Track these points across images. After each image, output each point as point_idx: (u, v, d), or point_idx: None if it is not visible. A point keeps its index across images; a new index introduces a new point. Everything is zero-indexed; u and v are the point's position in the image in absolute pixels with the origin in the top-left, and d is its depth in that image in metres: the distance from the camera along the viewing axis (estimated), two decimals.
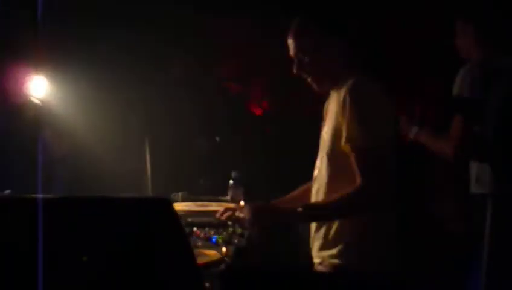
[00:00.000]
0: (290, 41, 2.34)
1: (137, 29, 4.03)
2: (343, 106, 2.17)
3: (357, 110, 2.15)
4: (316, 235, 2.32)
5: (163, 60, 4.34)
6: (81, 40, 3.95)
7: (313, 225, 2.34)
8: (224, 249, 2.29)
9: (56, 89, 3.54)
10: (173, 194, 3.34)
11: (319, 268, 2.29)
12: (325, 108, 2.45)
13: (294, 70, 2.35)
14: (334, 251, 2.24)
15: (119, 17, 4.07)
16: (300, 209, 2.19)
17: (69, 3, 3.86)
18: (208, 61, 4.75)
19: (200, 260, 2.14)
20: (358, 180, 2.14)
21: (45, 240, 1.49)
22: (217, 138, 4.47)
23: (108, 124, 3.98)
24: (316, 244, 2.33)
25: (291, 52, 2.34)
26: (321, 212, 2.25)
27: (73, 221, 1.50)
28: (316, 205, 2.28)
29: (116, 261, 1.49)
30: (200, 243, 2.43)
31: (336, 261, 2.23)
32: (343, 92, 2.19)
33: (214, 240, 2.43)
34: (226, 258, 2.22)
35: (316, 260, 2.32)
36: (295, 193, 2.64)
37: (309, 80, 2.36)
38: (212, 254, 2.24)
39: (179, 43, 4.37)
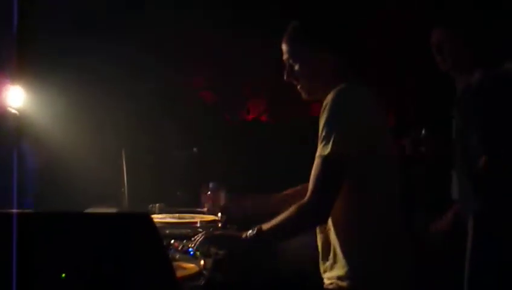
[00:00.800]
0: (283, 46, 2.33)
1: (115, 40, 4.02)
2: (321, 112, 2.17)
3: (328, 117, 2.12)
4: (324, 257, 2.31)
5: (140, 71, 4.33)
6: (60, 51, 3.92)
7: (320, 247, 2.32)
8: (202, 262, 2.28)
9: (33, 99, 3.51)
10: (150, 206, 3.32)
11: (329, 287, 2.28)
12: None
13: (285, 76, 2.34)
14: (341, 272, 2.21)
15: (98, 28, 4.05)
16: (253, 234, 2.18)
17: (46, 13, 3.84)
18: (184, 71, 4.75)
19: (178, 274, 2.14)
20: (308, 192, 2.13)
21: (23, 257, 1.48)
22: (195, 149, 4.46)
23: (85, 135, 3.96)
24: (324, 265, 2.31)
25: (284, 57, 2.33)
26: (271, 237, 2.21)
27: (51, 237, 1.49)
28: (266, 230, 2.20)
29: (95, 277, 1.49)
30: (178, 256, 2.43)
31: (344, 283, 2.20)
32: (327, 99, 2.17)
33: (192, 252, 2.42)
34: (204, 271, 2.21)
35: (326, 282, 2.30)
36: (289, 191, 2.63)
37: (298, 87, 2.35)
38: (190, 267, 2.24)
39: (156, 54, 4.36)
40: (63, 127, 3.86)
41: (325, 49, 2.26)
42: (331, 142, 2.08)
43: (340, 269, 2.21)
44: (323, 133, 2.11)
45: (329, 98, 2.15)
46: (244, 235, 2.22)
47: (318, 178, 2.10)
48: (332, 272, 2.25)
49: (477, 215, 2.63)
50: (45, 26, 3.84)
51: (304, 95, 2.34)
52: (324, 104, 2.16)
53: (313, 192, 2.11)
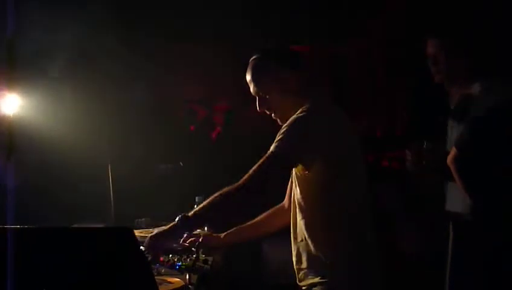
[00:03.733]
0: (249, 82, 2.39)
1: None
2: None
3: (287, 126, 2.23)
4: (297, 264, 2.35)
5: (127, 84, 4.33)
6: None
7: (294, 255, 2.37)
8: (187, 276, 2.28)
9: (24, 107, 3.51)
10: (137, 220, 3.31)
11: None
12: None
13: (258, 108, 2.39)
14: (314, 279, 2.27)
15: None
16: (181, 218, 2.19)
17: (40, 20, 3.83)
18: (173, 85, 4.76)
19: (163, 288, 2.13)
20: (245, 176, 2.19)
21: (6, 271, 1.47)
22: (181, 163, 4.46)
23: (71, 148, 3.95)
24: (299, 275, 2.35)
25: (252, 91, 2.39)
26: (199, 217, 2.23)
27: (35, 251, 1.49)
28: (195, 211, 2.25)
29: None
30: (163, 270, 2.42)
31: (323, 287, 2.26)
32: None
33: (177, 267, 2.42)
34: (189, 286, 2.21)
35: (303, 289, 2.33)
36: (258, 218, 2.67)
37: (273, 116, 2.41)
38: (175, 281, 2.24)
39: (144, 67, 4.37)
40: (48, 142, 3.84)
41: (287, 69, 2.34)
42: (278, 143, 2.21)
43: (312, 277, 2.27)
44: (278, 136, 2.23)
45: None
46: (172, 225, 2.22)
47: (257, 168, 2.18)
48: (307, 280, 2.30)
49: (457, 217, 2.67)
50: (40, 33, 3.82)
51: (279, 121, 2.41)
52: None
53: (250, 173, 2.18)
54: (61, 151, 3.94)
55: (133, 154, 4.27)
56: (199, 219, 2.23)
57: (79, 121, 4.04)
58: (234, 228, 2.67)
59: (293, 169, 2.34)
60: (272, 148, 2.22)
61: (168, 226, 2.21)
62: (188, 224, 2.20)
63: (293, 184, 2.39)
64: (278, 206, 2.66)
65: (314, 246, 2.27)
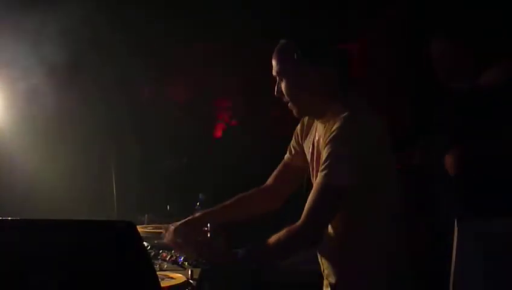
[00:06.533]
0: (273, 61, 2.29)
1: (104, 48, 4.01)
2: (329, 140, 2.13)
3: (335, 146, 2.10)
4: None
5: (130, 81, 4.32)
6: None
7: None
8: (190, 271, 2.28)
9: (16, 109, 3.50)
10: (140, 217, 3.31)
11: None
12: (305, 127, 2.45)
13: (275, 92, 2.32)
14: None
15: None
16: (243, 255, 2.15)
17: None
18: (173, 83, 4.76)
19: (165, 284, 2.13)
20: (302, 216, 2.13)
21: (5, 264, 1.47)
22: (185, 159, 4.45)
23: (74, 146, 3.94)
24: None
25: (273, 73, 2.29)
26: (260, 258, 2.23)
27: (35, 245, 1.48)
28: (257, 252, 2.20)
29: (79, 285, 1.47)
30: (166, 266, 2.42)
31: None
32: (334, 125, 2.14)
33: (180, 262, 2.42)
34: (191, 281, 2.21)
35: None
36: (228, 202, 2.55)
37: (289, 104, 2.29)
38: (177, 277, 2.23)
39: (147, 64, 4.36)
40: (49, 138, 3.82)
41: (316, 66, 2.21)
42: (333, 173, 2.09)
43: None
44: (327, 162, 2.10)
45: (336, 125, 2.12)
46: (233, 255, 2.20)
47: (315, 204, 2.10)
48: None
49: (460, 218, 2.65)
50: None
51: (295, 113, 2.31)
52: (331, 130, 2.13)
53: (307, 217, 2.11)
54: (64, 147, 3.94)
55: (136, 150, 4.27)
56: (260, 259, 2.22)
57: (84, 119, 4.02)
58: (216, 207, 2.53)
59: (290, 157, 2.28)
60: (319, 177, 2.12)
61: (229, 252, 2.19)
62: (251, 261, 2.18)
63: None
64: (261, 188, 2.56)
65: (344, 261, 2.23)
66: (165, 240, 2.35)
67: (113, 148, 4.00)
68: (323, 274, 2.31)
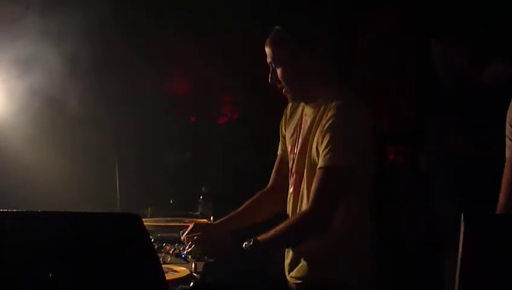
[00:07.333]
0: (267, 49, 2.33)
1: (106, 41, 4.00)
2: (327, 127, 2.17)
3: (335, 130, 2.15)
4: (288, 259, 2.33)
5: (132, 73, 4.31)
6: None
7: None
8: (193, 265, 2.27)
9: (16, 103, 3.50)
10: (142, 210, 3.31)
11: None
12: (288, 117, 2.46)
13: (269, 79, 2.34)
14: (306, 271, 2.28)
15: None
16: (250, 245, 2.17)
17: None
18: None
19: (169, 277, 2.13)
20: (310, 201, 2.14)
21: (10, 256, 1.47)
22: (188, 153, 4.45)
23: (78, 140, 3.94)
24: (289, 266, 2.34)
25: (267, 60, 2.33)
26: (269, 247, 2.23)
27: (39, 237, 1.48)
28: (265, 240, 2.21)
29: (82, 277, 1.47)
30: (169, 259, 2.42)
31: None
32: (329, 111, 2.19)
33: (183, 256, 2.41)
34: (195, 275, 2.20)
35: (291, 280, 2.32)
36: (239, 209, 2.59)
37: (283, 90, 2.34)
38: (181, 270, 2.23)
39: (149, 56, 4.35)
40: (52, 133, 3.82)
41: (309, 51, 2.26)
42: (336, 155, 2.12)
43: (305, 270, 2.29)
44: (329, 147, 2.13)
45: (331, 113, 2.18)
46: (239, 245, 2.20)
47: (323, 189, 2.12)
48: (297, 273, 2.31)
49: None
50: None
51: (289, 99, 2.36)
52: (328, 117, 2.19)
53: (316, 202, 2.12)
54: (68, 141, 3.94)
55: (139, 144, 4.27)
56: (269, 247, 2.21)
57: (86, 113, 4.02)
58: (229, 215, 2.58)
59: (308, 166, 2.29)
60: (323, 162, 2.15)
61: (233, 242, 2.22)
62: (259, 250, 2.17)
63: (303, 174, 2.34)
64: (266, 190, 2.59)
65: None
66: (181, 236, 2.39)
67: (115, 142, 4.00)
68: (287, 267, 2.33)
